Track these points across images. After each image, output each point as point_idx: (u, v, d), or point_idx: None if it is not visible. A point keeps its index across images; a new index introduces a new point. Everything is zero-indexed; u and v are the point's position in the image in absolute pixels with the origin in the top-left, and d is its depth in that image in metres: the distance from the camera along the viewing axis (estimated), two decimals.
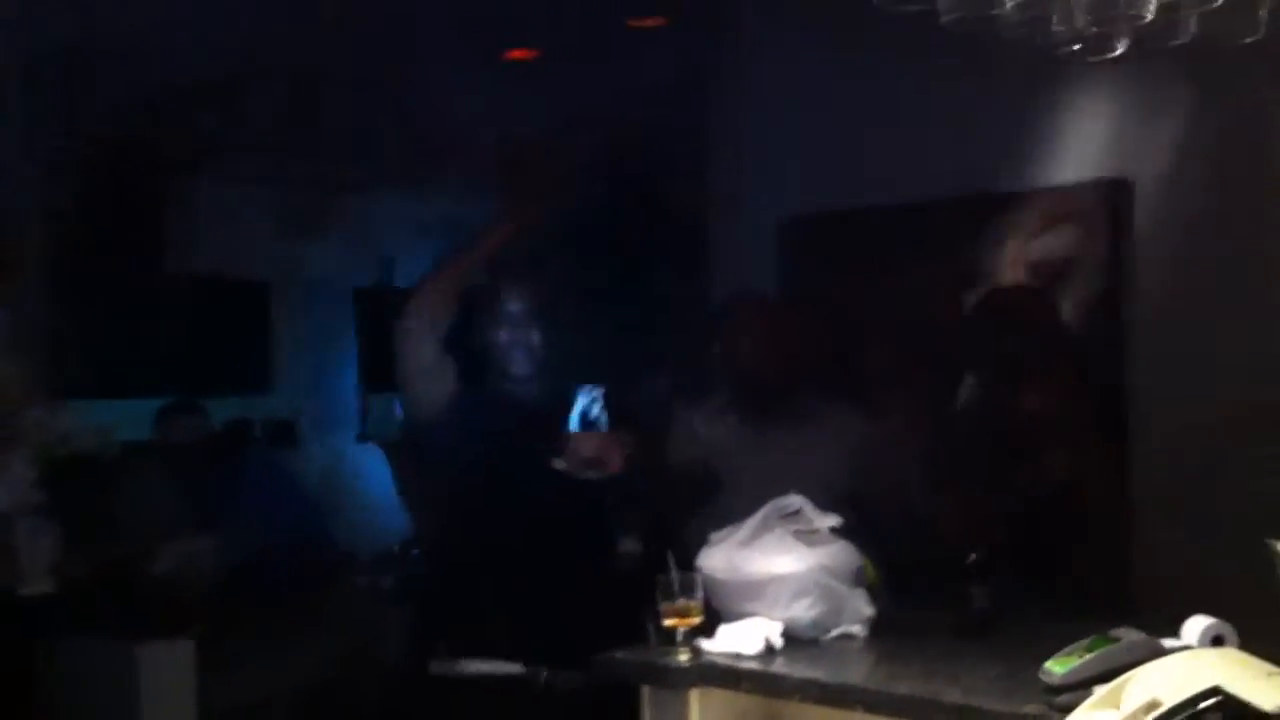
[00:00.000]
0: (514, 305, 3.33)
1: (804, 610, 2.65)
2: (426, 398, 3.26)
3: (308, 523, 4.35)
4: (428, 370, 3.25)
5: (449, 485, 3.30)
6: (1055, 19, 2.32)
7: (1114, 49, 2.36)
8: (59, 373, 4.27)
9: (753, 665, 2.54)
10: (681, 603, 2.58)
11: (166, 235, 4.90)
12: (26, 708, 3.39)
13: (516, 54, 4.74)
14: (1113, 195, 3.70)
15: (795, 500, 2.76)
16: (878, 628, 2.72)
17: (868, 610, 2.71)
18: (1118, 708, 1.89)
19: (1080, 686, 2.11)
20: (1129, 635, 2.21)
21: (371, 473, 4.83)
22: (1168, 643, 2.23)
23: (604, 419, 3.63)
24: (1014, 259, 3.96)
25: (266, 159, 5.10)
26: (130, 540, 3.80)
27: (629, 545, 3.21)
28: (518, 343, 3.31)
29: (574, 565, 3.16)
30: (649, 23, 4.82)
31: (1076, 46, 2.38)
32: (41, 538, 3.48)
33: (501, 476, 3.23)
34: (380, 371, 5.29)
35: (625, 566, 3.35)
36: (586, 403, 3.52)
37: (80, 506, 3.55)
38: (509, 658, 3.14)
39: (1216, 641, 2.26)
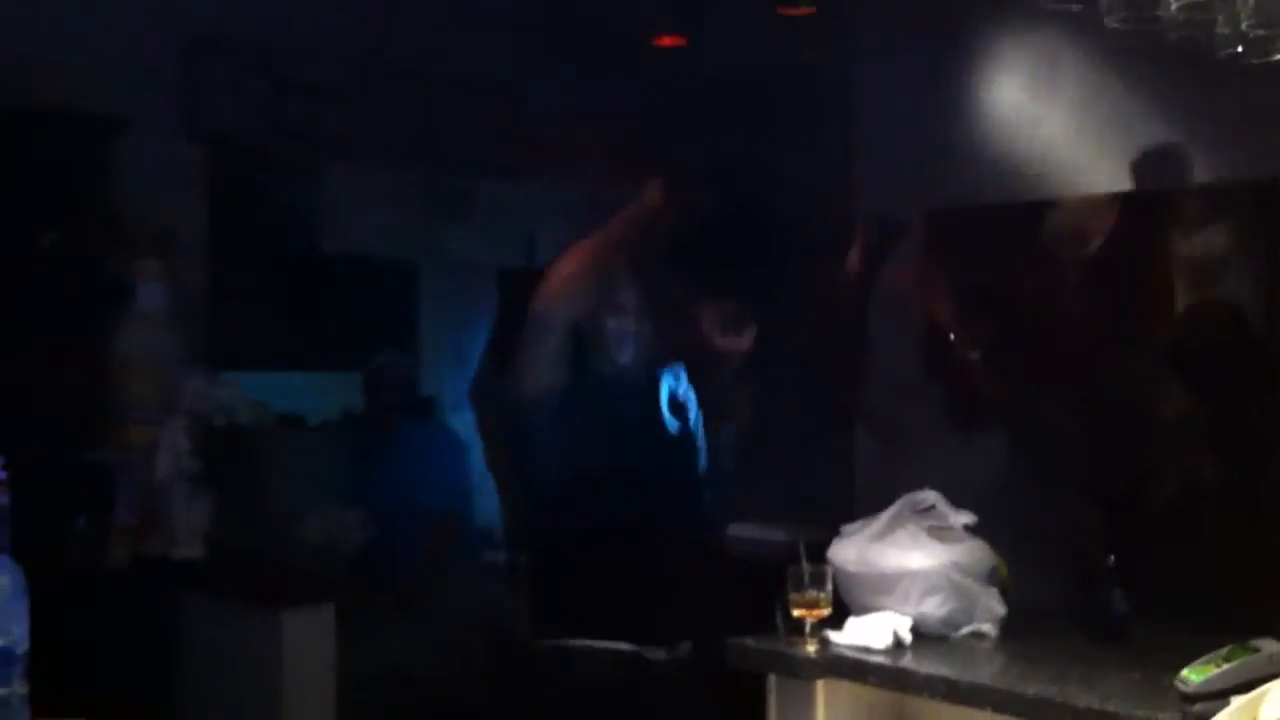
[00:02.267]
0: (633, 294, 3.35)
1: (934, 607, 2.64)
2: (547, 378, 3.31)
3: (451, 497, 4.43)
4: (552, 352, 3.30)
5: (567, 469, 3.34)
6: (1220, 20, 2.29)
7: (1277, 51, 2.31)
8: (216, 345, 4.43)
9: (881, 659, 2.54)
10: (811, 594, 2.59)
11: (320, 215, 5.03)
12: (175, 669, 3.52)
13: (664, 41, 4.76)
14: (1268, 196, 3.61)
15: (929, 496, 2.75)
16: (1010, 629, 2.70)
17: (1000, 609, 2.69)
18: (1255, 719, 1.85)
19: (1217, 696, 2.07)
20: (1269, 646, 2.17)
21: None
22: None
23: (691, 396, 3.61)
24: (1164, 260, 3.88)
25: (416, 143, 5.21)
26: (281, 508, 3.91)
27: (762, 533, 3.22)
28: (629, 332, 3.34)
29: (689, 549, 3.19)
30: (800, 11, 4.81)
31: (1239, 49, 2.34)
32: (195, 505, 3.61)
33: (619, 460, 3.27)
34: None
35: (759, 554, 3.36)
36: (672, 383, 3.50)
37: (234, 476, 3.67)
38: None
39: None
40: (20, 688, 2.09)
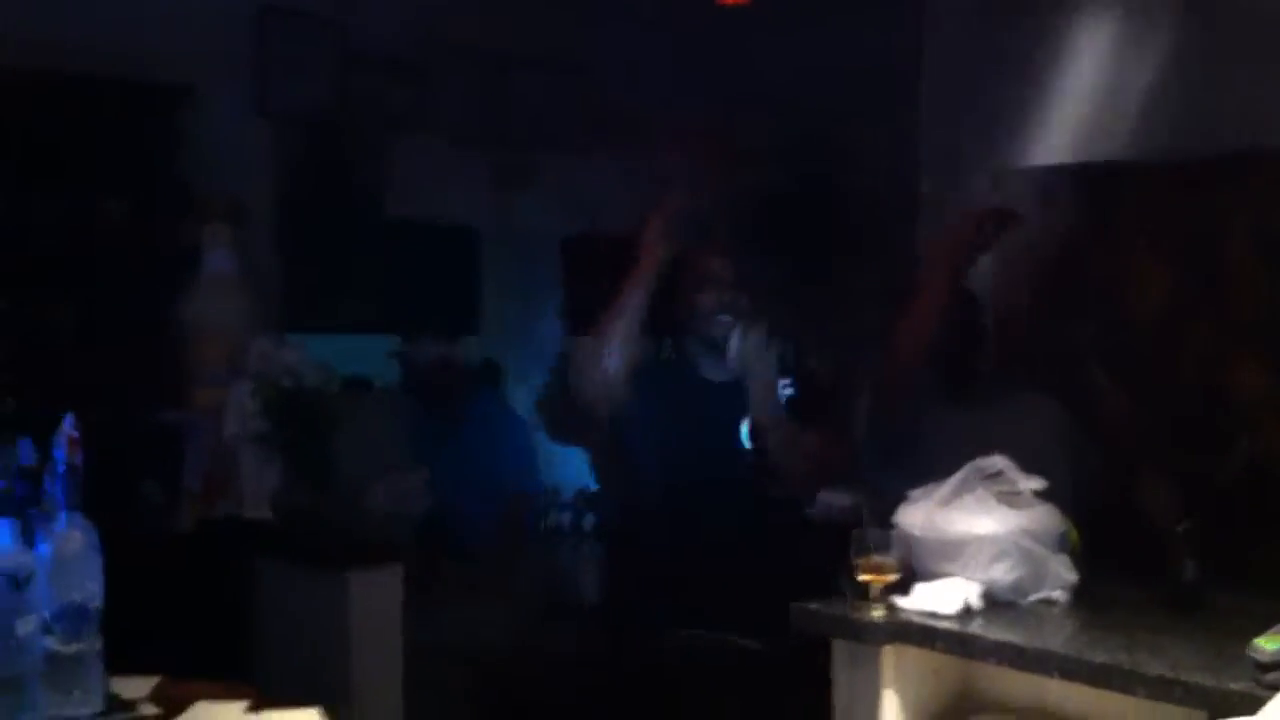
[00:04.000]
0: (712, 276, 3.34)
1: (1003, 573, 2.60)
2: (627, 365, 3.31)
3: (519, 464, 4.45)
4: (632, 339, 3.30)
5: (649, 450, 3.34)
6: None
7: None
8: (283, 309, 4.47)
9: (949, 625, 2.50)
10: (876, 559, 2.57)
11: (386, 184, 5.06)
12: (246, 627, 3.56)
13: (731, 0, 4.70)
14: None
15: (998, 461, 2.71)
16: (1080, 596, 2.66)
17: (1070, 576, 2.66)
18: None
19: None
20: None
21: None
22: None
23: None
24: (1240, 226, 3.81)
25: (482, 115, 5.24)
26: (348, 472, 3.94)
27: (829, 498, 3.19)
28: (713, 312, 3.33)
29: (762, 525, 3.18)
30: None
31: None
32: (264, 466, 3.65)
33: (695, 444, 3.26)
34: (583, 319, 5.40)
35: (827, 518, 3.35)
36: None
37: (301, 437, 3.70)
38: (701, 618, 3.16)
39: None
40: (95, 643, 2.13)
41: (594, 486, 4.67)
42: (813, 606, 2.66)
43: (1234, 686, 2.09)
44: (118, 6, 4.12)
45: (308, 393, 3.44)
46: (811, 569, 2.75)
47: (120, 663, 2.23)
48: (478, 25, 5.07)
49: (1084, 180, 4.09)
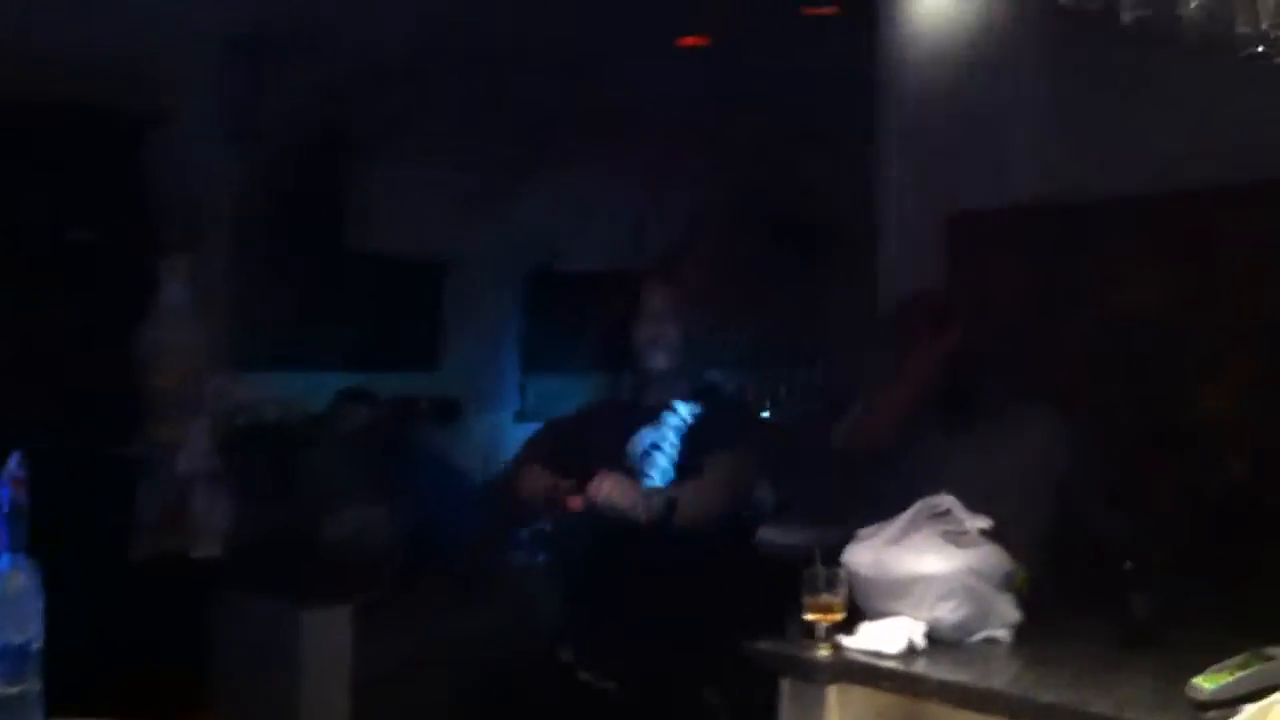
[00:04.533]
0: (661, 299, 3.29)
1: (949, 612, 2.62)
2: None
3: (468, 500, 4.42)
4: None
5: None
6: (1240, 20, 2.27)
7: None
8: (239, 344, 4.45)
9: (894, 664, 2.52)
10: (825, 598, 2.58)
11: (347, 213, 5.05)
12: (198, 664, 3.54)
13: (689, 41, 4.76)
14: None
15: (945, 500, 2.73)
16: (1028, 634, 2.67)
17: (1015, 615, 2.67)
18: None
19: (1229, 704, 2.06)
20: None
21: None
22: None
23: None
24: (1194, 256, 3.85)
25: (444, 143, 5.22)
26: (303, 508, 3.93)
27: (774, 536, 3.18)
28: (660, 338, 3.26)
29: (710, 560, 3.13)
30: (824, 10, 4.79)
31: (1260, 49, 2.32)
32: (216, 503, 3.64)
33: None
34: (540, 352, 5.40)
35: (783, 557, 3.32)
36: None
37: (256, 474, 3.69)
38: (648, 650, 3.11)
39: None
40: (35, 684, 2.12)
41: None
42: (761, 645, 2.67)
43: None
44: (75, 29, 4.09)
45: (263, 429, 3.43)
46: (758, 608, 2.75)
47: (67, 704, 2.22)
48: (450, 48, 5.06)
49: (1038, 219, 4.13)
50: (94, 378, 3.95)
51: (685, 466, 3.13)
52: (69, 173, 4.15)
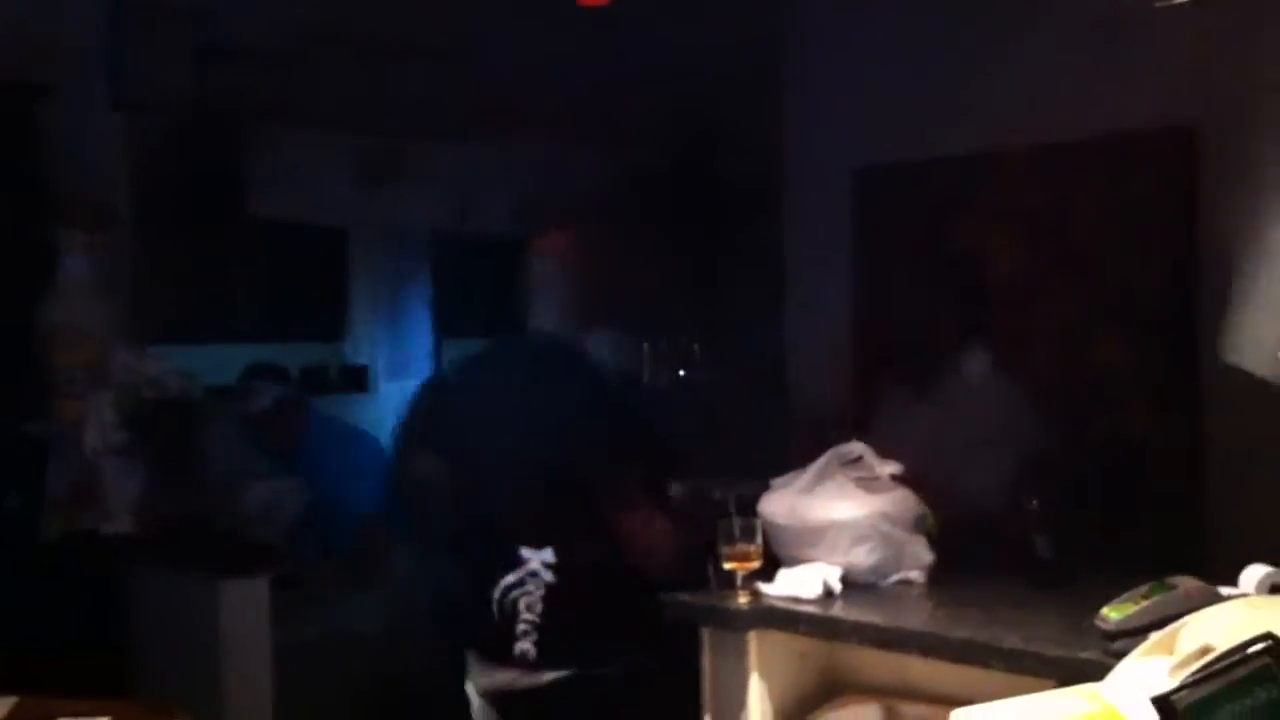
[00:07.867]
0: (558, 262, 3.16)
1: (863, 556, 2.67)
2: None
3: (378, 471, 4.35)
4: None
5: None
6: None
7: None
8: (144, 318, 4.37)
9: (811, 609, 2.57)
10: (741, 547, 2.62)
11: (248, 183, 4.96)
12: (114, 640, 3.50)
13: (589, 1, 4.72)
14: (1182, 143, 3.65)
15: (856, 447, 2.78)
16: (940, 576, 2.73)
17: (927, 557, 2.73)
18: (1171, 653, 1.88)
19: (1135, 633, 2.10)
20: (1186, 583, 2.21)
21: None
22: (1225, 590, 2.23)
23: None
24: (1085, 210, 3.93)
25: (346, 108, 5.15)
26: (212, 482, 3.88)
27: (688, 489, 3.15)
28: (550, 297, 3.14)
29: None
30: None
31: None
32: (127, 478, 3.59)
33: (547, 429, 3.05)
34: (454, 317, 5.37)
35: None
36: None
37: (166, 448, 3.64)
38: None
39: (1275, 590, 2.25)
40: None
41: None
42: (681, 596, 2.70)
43: (1084, 655, 2.17)
44: None
45: (170, 404, 3.39)
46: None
47: None
48: (346, 13, 4.98)
49: (940, 171, 4.19)
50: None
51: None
52: None
